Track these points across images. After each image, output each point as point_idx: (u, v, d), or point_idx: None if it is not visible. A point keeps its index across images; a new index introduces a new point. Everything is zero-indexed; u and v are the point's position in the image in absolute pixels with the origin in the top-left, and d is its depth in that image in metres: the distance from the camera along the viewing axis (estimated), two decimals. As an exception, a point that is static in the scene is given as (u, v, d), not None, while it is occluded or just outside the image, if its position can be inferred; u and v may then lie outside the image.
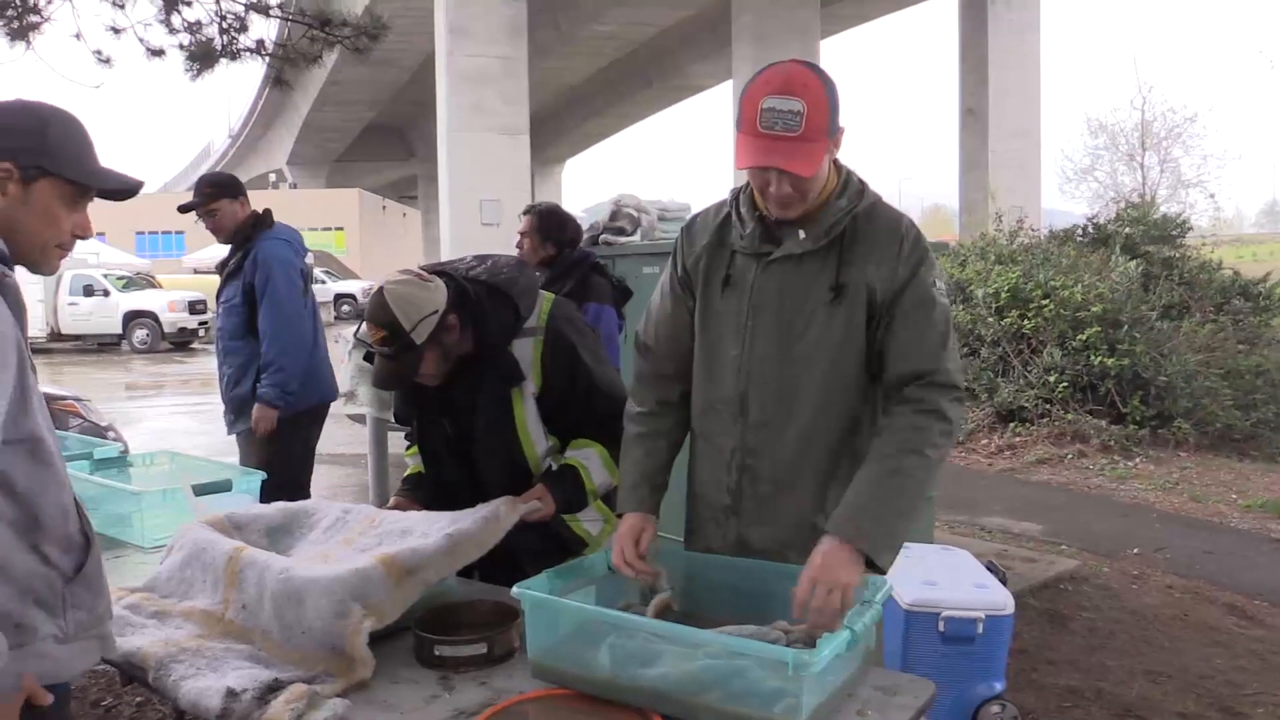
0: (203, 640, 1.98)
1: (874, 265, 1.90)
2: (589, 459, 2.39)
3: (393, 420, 5.54)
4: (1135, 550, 5.70)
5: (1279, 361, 9.89)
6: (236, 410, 4.08)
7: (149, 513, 2.68)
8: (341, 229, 42.56)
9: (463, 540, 2.11)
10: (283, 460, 3.85)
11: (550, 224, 3.99)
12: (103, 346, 21.39)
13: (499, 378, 2.34)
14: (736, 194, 2.04)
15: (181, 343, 21.72)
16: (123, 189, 1.66)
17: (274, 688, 1.75)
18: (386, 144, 45.73)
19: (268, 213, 4.10)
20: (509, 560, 2.30)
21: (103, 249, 24.16)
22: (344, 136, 43.20)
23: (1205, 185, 22.49)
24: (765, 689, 1.51)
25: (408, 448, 2.67)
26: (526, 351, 2.36)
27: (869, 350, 1.93)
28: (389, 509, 2.42)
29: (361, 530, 2.29)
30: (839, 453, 1.96)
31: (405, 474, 2.63)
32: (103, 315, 20.89)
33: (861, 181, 1.99)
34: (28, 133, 1.56)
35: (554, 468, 2.40)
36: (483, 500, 2.30)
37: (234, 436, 4.18)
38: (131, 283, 21.87)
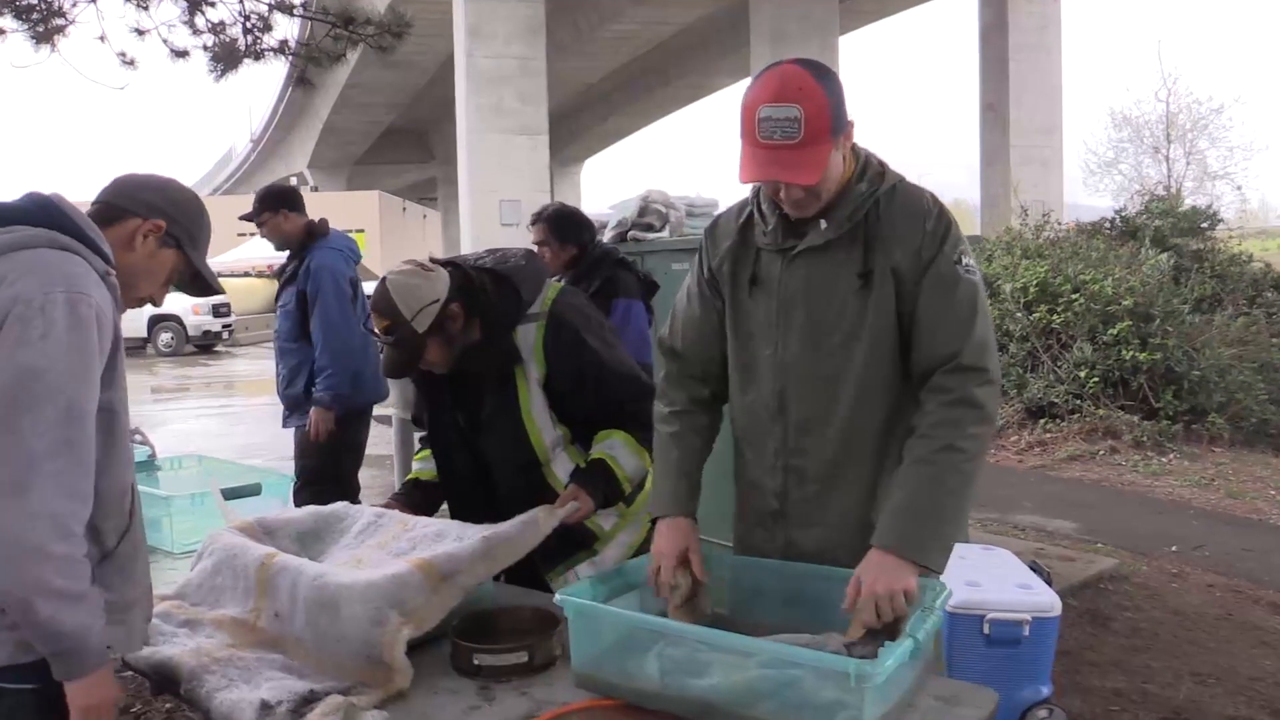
0: (234, 650, 1.94)
1: (899, 247, 1.84)
2: (614, 449, 2.36)
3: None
4: (1173, 548, 5.58)
5: (1314, 355, 9.74)
6: (290, 407, 4.29)
7: (178, 517, 2.64)
8: (362, 231, 42.54)
9: (499, 543, 2.06)
10: (333, 456, 4.10)
11: (564, 226, 3.94)
12: (128, 350, 21.41)
13: (502, 364, 2.33)
14: (757, 191, 1.98)
15: (206, 345, 21.82)
16: (210, 290, 1.94)
17: (309, 699, 1.70)
18: (406, 146, 45.86)
19: (323, 222, 4.34)
20: (526, 560, 2.27)
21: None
22: (364, 139, 43.33)
23: (1232, 177, 22.23)
24: (823, 700, 1.44)
25: (418, 451, 2.68)
26: (529, 337, 2.35)
27: (904, 335, 1.87)
28: (384, 505, 2.45)
29: (395, 535, 2.24)
30: (885, 445, 1.90)
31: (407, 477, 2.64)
32: (127, 318, 20.79)
33: (881, 163, 1.92)
34: (188, 211, 1.84)
35: (581, 466, 2.37)
36: (492, 494, 2.36)
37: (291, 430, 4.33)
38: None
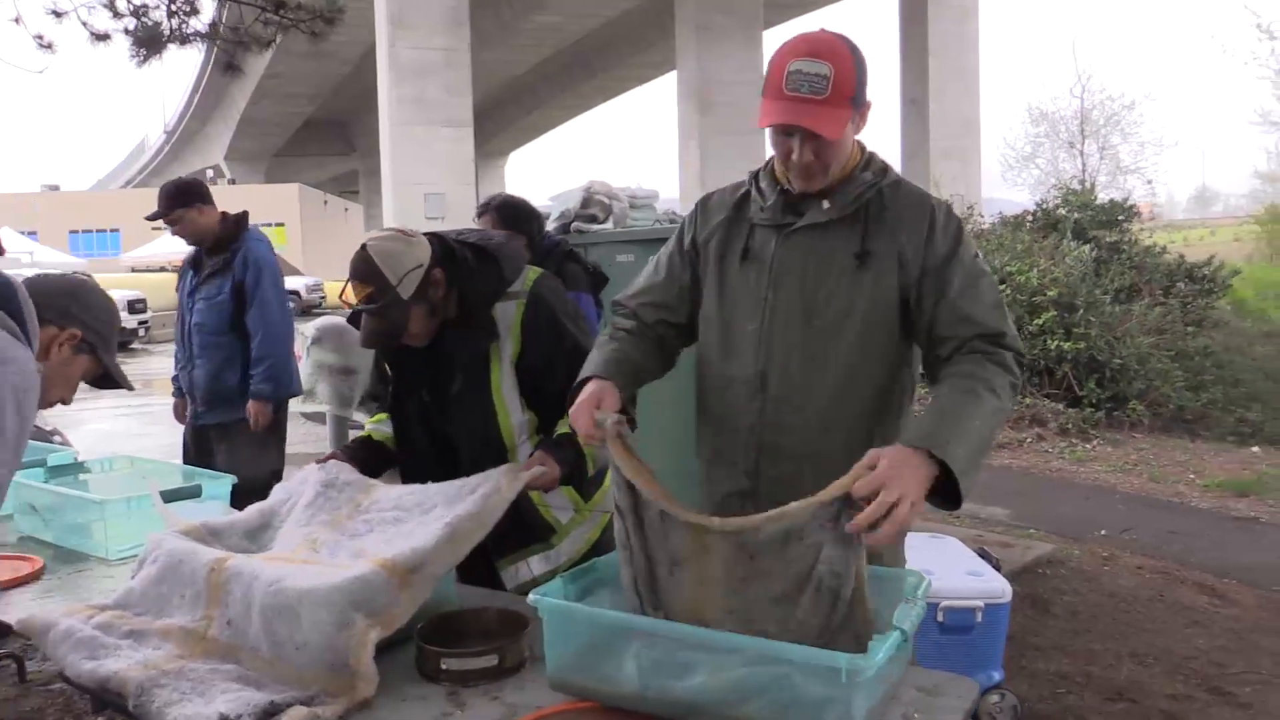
0: (185, 661, 1.83)
1: (904, 234, 1.85)
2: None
3: (353, 418, 5.39)
4: (1102, 532, 5.73)
5: (1224, 343, 10.12)
6: (211, 402, 4.19)
7: (113, 522, 2.51)
8: (282, 225, 41.75)
9: (464, 523, 1.97)
10: (261, 450, 4.15)
11: (513, 216, 3.86)
12: (38, 348, 20.71)
13: (478, 340, 2.27)
14: (755, 173, 2.00)
15: (122, 343, 21.12)
16: (121, 387, 2.04)
17: (270, 712, 1.62)
18: (327, 138, 45.00)
19: (245, 214, 4.26)
20: (477, 549, 2.19)
21: (36, 248, 23.43)
22: (283, 131, 42.40)
23: (1143, 172, 22.94)
24: (812, 696, 1.41)
25: (375, 415, 2.58)
26: (508, 314, 2.28)
27: (901, 321, 1.86)
28: (324, 459, 2.33)
29: (349, 514, 2.15)
30: (868, 428, 1.88)
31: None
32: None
33: (885, 162, 1.95)
34: (101, 317, 1.95)
35: (553, 436, 2.29)
36: (453, 470, 2.22)
37: (198, 427, 4.31)
38: (64, 283, 21.17)
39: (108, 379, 2.01)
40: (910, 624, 1.52)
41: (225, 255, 4.13)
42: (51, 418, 10.59)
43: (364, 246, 2.19)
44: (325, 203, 45.50)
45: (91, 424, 11.01)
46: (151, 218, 4.18)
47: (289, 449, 4.71)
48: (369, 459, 2.43)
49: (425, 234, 2.28)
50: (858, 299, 1.85)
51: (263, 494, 3.75)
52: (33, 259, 21.81)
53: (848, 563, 1.50)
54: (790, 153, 1.83)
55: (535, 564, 2.32)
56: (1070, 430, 8.22)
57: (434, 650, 1.78)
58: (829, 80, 1.74)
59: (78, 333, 1.88)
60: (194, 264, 4.27)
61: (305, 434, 8.34)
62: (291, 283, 31.22)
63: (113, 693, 1.79)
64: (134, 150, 65.97)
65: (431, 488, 2.12)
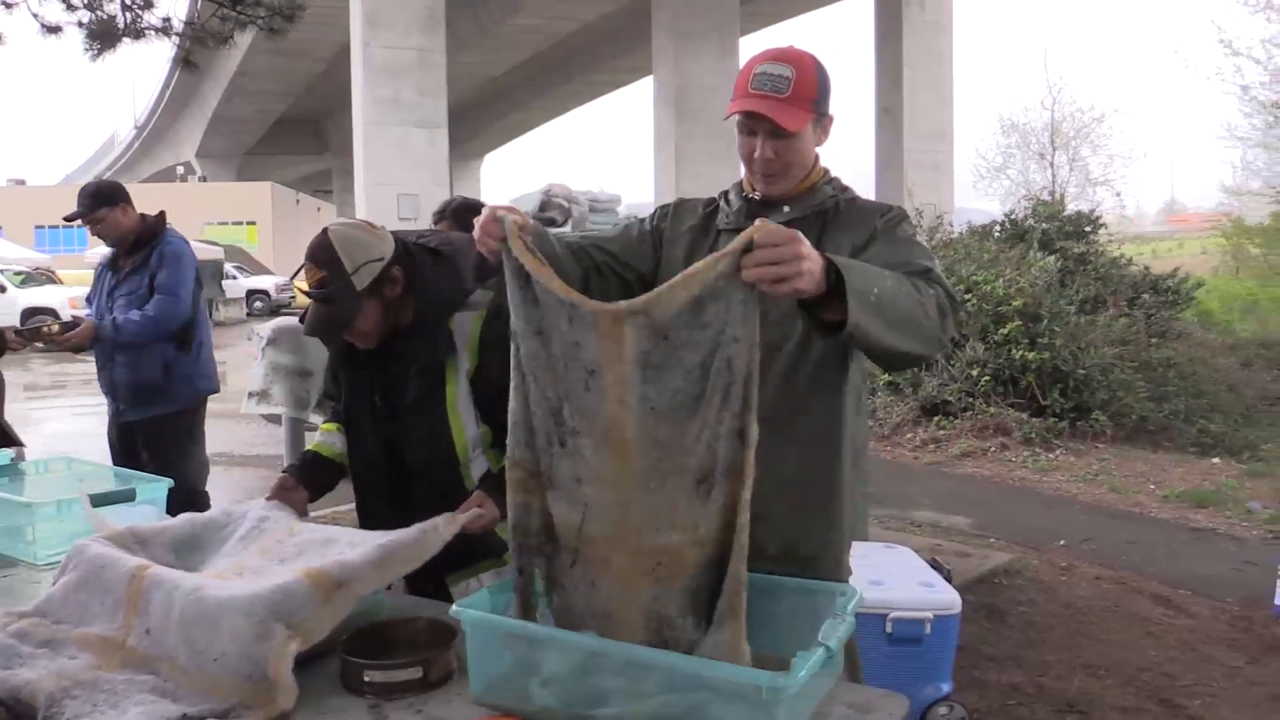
0: (100, 671, 1.78)
1: (852, 235, 1.91)
2: None
3: (309, 420, 5.30)
4: (1062, 542, 5.75)
5: (1188, 354, 10.20)
6: (134, 399, 4.19)
7: (43, 526, 2.44)
8: (254, 223, 41.44)
9: (396, 549, 1.93)
10: (190, 444, 4.28)
11: (469, 220, 3.81)
12: (-3, 345, 20.40)
13: (433, 350, 2.19)
14: (725, 191, 2.08)
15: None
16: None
17: (183, 724, 1.57)
18: (300, 137, 44.65)
19: (164, 215, 4.28)
20: (428, 565, 2.13)
21: (0, 243, 23.09)
22: (255, 129, 42.04)
23: (1112, 184, 23.15)
24: (733, 717, 1.38)
25: (325, 422, 2.50)
26: (466, 325, 2.20)
27: None
28: (271, 495, 2.25)
29: (280, 538, 2.10)
30: (811, 424, 1.91)
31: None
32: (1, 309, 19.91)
33: (845, 184, 2.03)
34: None
35: (493, 471, 2.23)
36: (404, 482, 2.23)
37: (121, 425, 4.30)
38: (30, 278, 20.89)
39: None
40: (837, 640, 1.49)
41: (144, 252, 4.13)
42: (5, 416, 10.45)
43: (325, 230, 2.13)
44: (298, 202, 45.20)
45: (48, 423, 10.85)
46: (72, 218, 4.17)
47: (248, 450, 4.68)
48: (317, 476, 2.37)
49: (392, 233, 2.22)
50: None
51: (191, 491, 3.88)
52: (-6, 253, 21.50)
53: (746, 321, 1.42)
54: (753, 152, 1.90)
55: (487, 580, 2.25)
56: (1034, 440, 8.26)
57: (356, 662, 1.74)
58: (790, 81, 1.84)
59: None
60: (111, 265, 4.27)
61: (267, 435, 8.24)
62: (261, 282, 31.02)
63: (23, 703, 1.73)
64: (103, 145, 65.25)
65: (366, 533, 2.06)
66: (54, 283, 21.51)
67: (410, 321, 2.20)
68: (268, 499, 2.25)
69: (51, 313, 20.14)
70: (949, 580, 3.28)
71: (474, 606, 1.64)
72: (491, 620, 1.62)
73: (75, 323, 4.14)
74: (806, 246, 1.43)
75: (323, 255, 2.11)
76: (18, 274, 20.82)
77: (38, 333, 4.13)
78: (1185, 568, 5.30)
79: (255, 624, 1.73)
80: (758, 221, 1.43)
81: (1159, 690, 3.63)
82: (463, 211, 3.82)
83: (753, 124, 1.89)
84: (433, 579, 2.25)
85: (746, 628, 1.50)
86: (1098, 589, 4.89)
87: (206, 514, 2.25)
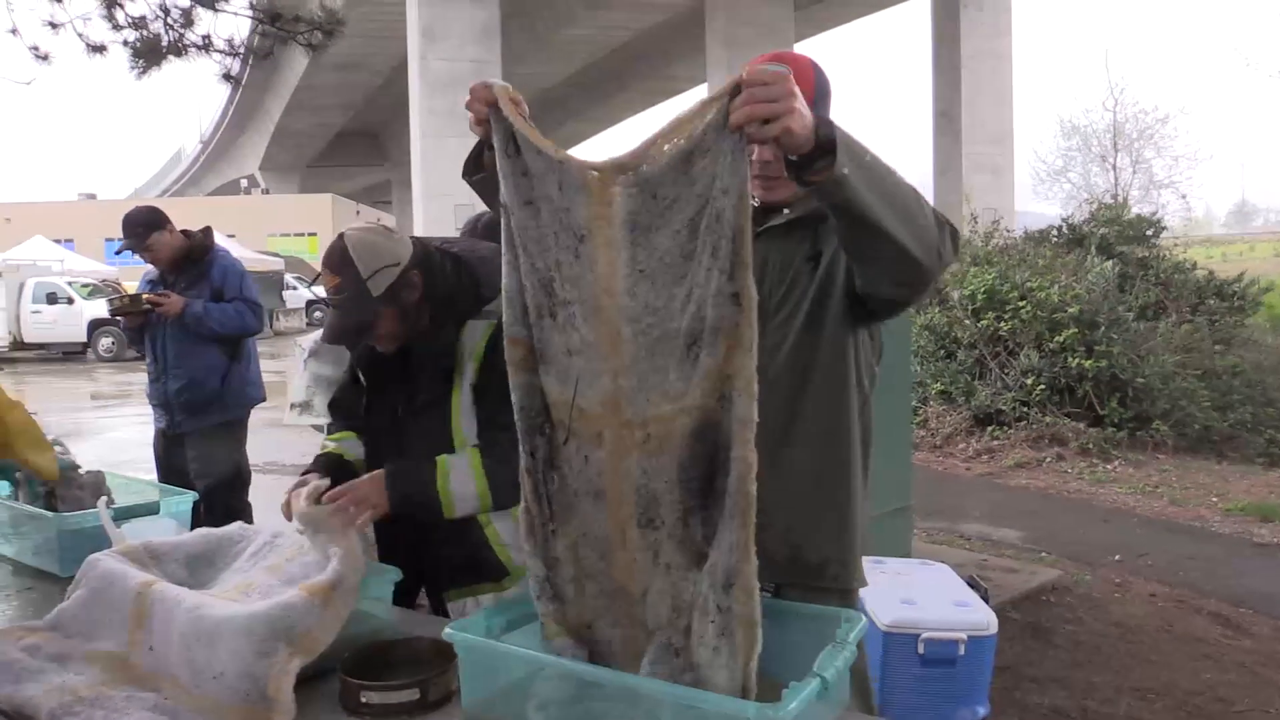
0: (104, 688, 1.78)
1: None
2: (455, 462, 2.08)
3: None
4: (1117, 557, 5.57)
5: (1255, 362, 9.85)
6: (190, 410, 4.28)
7: (67, 540, 2.47)
8: (315, 234, 42.19)
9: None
10: (236, 449, 4.39)
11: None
12: (67, 355, 20.97)
13: (443, 357, 2.15)
14: None
15: (149, 351, 21.33)
16: None
17: (177, 745, 1.56)
18: (360, 149, 45.40)
19: (210, 229, 4.43)
20: (428, 581, 2.22)
21: (68, 255, 23.73)
22: (317, 141, 42.83)
23: (1177, 186, 22.61)
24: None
25: (330, 433, 2.45)
26: (476, 334, 2.15)
27: (849, 308, 1.84)
28: (303, 474, 2.18)
29: (289, 556, 2.09)
30: (815, 426, 1.86)
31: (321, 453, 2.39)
32: (67, 323, 20.49)
33: None
34: None
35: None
36: None
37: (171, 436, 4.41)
38: (96, 290, 21.45)
39: None
40: (834, 670, 1.42)
41: (200, 267, 4.26)
42: (68, 425, 10.70)
43: (341, 235, 2.09)
44: (358, 213, 45.88)
45: (111, 432, 11.10)
46: (125, 248, 4.29)
47: (290, 460, 4.74)
48: (341, 478, 2.32)
49: (412, 238, 2.19)
50: (805, 297, 1.86)
51: (230, 490, 4.07)
52: (64, 266, 22.09)
53: (736, 171, 1.33)
54: (751, 155, 1.80)
55: (485, 602, 2.22)
56: (1091, 450, 8.05)
57: (354, 682, 1.71)
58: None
59: None
60: (160, 283, 4.37)
61: (312, 445, 8.34)
62: (321, 292, 31.51)
63: (26, 717, 1.74)
64: (171, 160, 66.99)
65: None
66: (119, 294, 22.06)
67: (425, 327, 2.16)
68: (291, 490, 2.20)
69: (117, 324, 20.72)
70: (986, 599, 3.18)
71: (469, 628, 1.61)
72: (485, 645, 1.58)
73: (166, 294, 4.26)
74: (796, 86, 1.35)
75: (338, 261, 2.07)
76: (85, 286, 21.40)
77: (136, 299, 4.26)
78: (1248, 585, 5.10)
79: (256, 642, 1.72)
80: (746, 65, 1.35)
81: (1212, 715, 3.49)
82: (493, 227, 3.79)
83: None
84: (434, 592, 2.24)
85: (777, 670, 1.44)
86: (1152, 607, 4.72)
87: (222, 530, 2.25)
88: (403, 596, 2.19)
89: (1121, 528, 6.29)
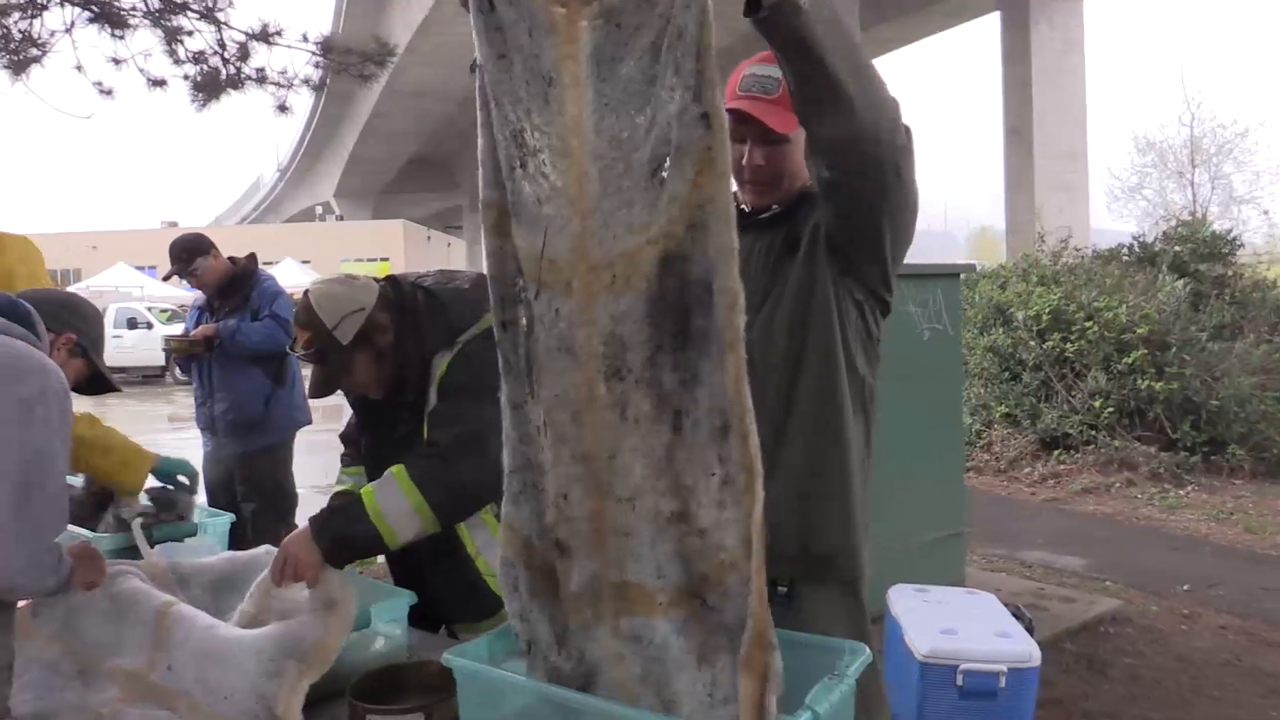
0: (123, 705, 1.82)
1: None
2: (380, 485, 2.05)
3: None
4: (1186, 587, 5.36)
5: (1341, 384, 9.45)
6: (234, 433, 4.37)
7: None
8: (387, 259, 43.02)
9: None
10: (281, 479, 4.43)
11: None
12: (147, 378, 21.63)
13: (414, 389, 2.17)
14: None
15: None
16: (109, 388, 2.28)
17: (184, 765, 1.58)
18: (431, 175, 46.29)
19: (255, 256, 4.54)
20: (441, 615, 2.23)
21: (148, 282, 24.51)
22: (389, 168, 43.77)
23: (1258, 201, 21.90)
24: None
25: (344, 464, 2.49)
26: (440, 365, 2.16)
27: (838, 302, 1.80)
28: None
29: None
30: (803, 412, 1.80)
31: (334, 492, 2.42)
32: (146, 347, 21.11)
33: None
34: (91, 322, 2.22)
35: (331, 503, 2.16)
36: None
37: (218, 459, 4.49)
38: (175, 315, 22.13)
39: (97, 380, 2.24)
40: (828, 705, 1.38)
41: (244, 292, 4.36)
42: (145, 447, 10.99)
43: (305, 292, 2.14)
44: (428, 238, 46.70)
45: (187, 452, 11.34)
46: (171, 274, 4.42)
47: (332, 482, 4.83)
48: None
49: (386, 277, 2.23)
50: (787, 282, 1.82)
51: (275, 512, 4.14)
52: (143, 291, 22.79)
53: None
54: (741, 158, 1.82)
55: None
56: (1163, 475, 7.78)
57: (360, 706, 1.72)
58: (780, 83, 1.70)
59: (73, 337, 2.14)
60: (207, 308, 4.48)
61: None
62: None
63: (44, 734, 1.78)
64: (250, 188, 68.97)
65: None
66: (174, 338, 22.71)
67: (407, 370, 2.18)
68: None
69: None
70: (1030, 630, 3.08)
71: (470, 654, 1.60)
72: (483, 671, 1.57)
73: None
74: None
75: (304, 317, 2.11)
76: (164, 311, 22.10)
77: (189, 340, 4.38)
78: (1326, 618, 4.88)
79: (265, 661, 1.75)
80: None
81: (1277, 755, 3.33)
82: None
83: (741, 129, 1.80)
84: (448, 626, 2.26)
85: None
86: (1221, 640, 4.53)
87: (248, 553, 2.29)
88: (422, 621, 2.21)
89: (1192, 556, 6.06)
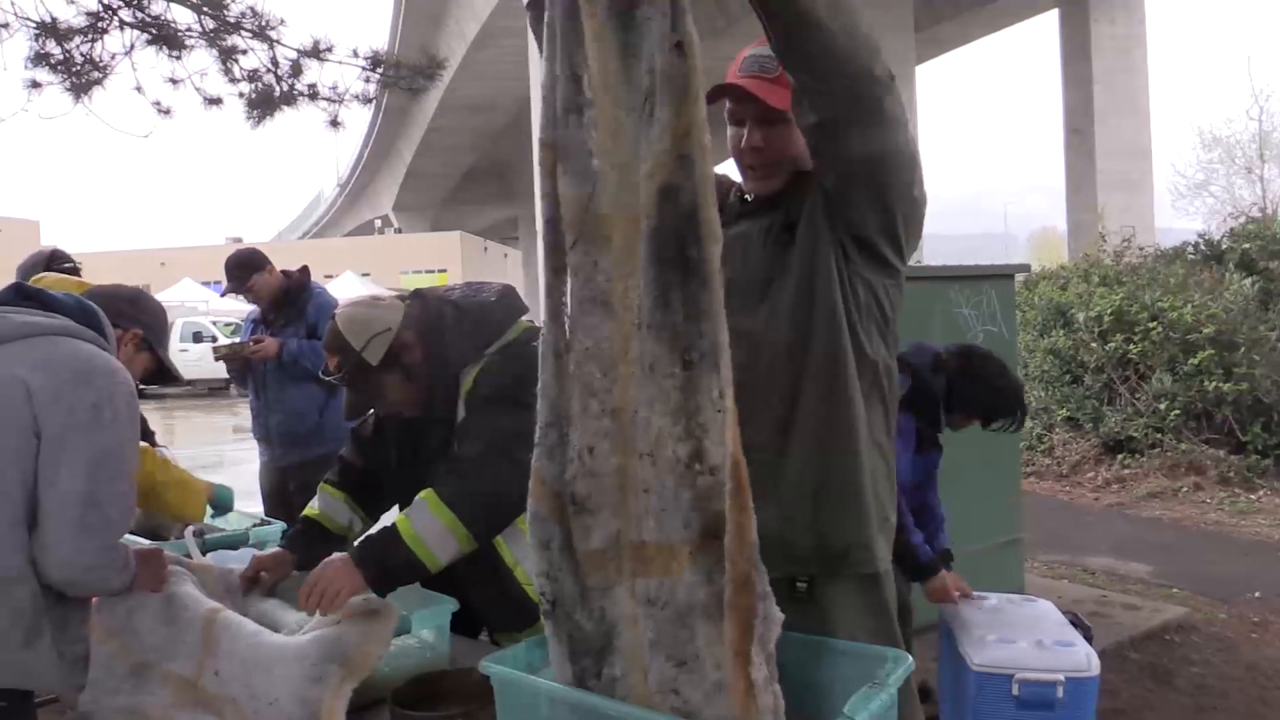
0: (173, 709, 1.86)
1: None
2: (412, 510, 2.04)
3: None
4: (1256, 594, 5.20)
5: None
6: (290, 444, 4.41)
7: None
8: (444, 271, 43.50)
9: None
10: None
11: None
12: (212, 391, 22.12)
13: (444, 404, 2.17)
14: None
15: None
16: (174, 379, 2.40)
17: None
18: (488, 187, 46.76)
19: (308, 269, 4.60)
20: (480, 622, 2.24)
21: (212, 297, 25.06)
22: (447, 181, 44.33)
23: (1333, 196, 21.18)
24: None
25: (325, 482, 2.48)
26: (468, 378, 2.16)
27: (838, 274, 1.75)
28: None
29: None
30: (810, 403, 1.75)
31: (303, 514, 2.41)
32: (211, 360, 21.60)
33: None
34: (157, 317, 2.31)
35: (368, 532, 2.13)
36: None
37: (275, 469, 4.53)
38: (238, 329, 22.62)
39: (161, 373, 2.33)
40: (867, 714, 1.36)
41: (298, 305, 4.42)
42: (210, 458, 11.24)
43: (333, 316, 2.17)
44: (485, 249, 47.14)
45: (249, 464, 11.57)
46: (228, 291, 4.55)
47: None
48: (321, 550, 2.18)
49: (412, 292, 2.25)
50: (788, 268, 1.78)
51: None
52: (208, 306, 23.30)
53: None
54: (740, 139, 1.81)
55: None
56: (1232, 479, 7.55)
57: (401, 712, 1.74)
58: (778, 62, 1.67)
59: (139, 332, 2.22)
60: (262, 322, 4.55)
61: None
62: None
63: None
64: (311, 203, 70.28)
65: None
66: (224, 344, 23.22)
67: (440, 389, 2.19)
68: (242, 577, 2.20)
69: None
70: (1089, 639, 2.99)
71: (508, 661, 1.60)
72: (518, 679, 1.57)
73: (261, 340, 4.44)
74: None
75: (333, 342, 2.14)
76: (228, 325, 22.60)
77: (239, 347, 4.47)
78: (1405, 627, 4.69)
79: (308, 667, 1.77)
80: None
81: (1353, 769, 3.20)
82: None
83: (740, 110, 1.80)
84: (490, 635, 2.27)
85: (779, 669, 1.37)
86: (1293, 649, 4.38)
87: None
88: (466, 626, 2.22)
89: (1264, 562, 5.87)
